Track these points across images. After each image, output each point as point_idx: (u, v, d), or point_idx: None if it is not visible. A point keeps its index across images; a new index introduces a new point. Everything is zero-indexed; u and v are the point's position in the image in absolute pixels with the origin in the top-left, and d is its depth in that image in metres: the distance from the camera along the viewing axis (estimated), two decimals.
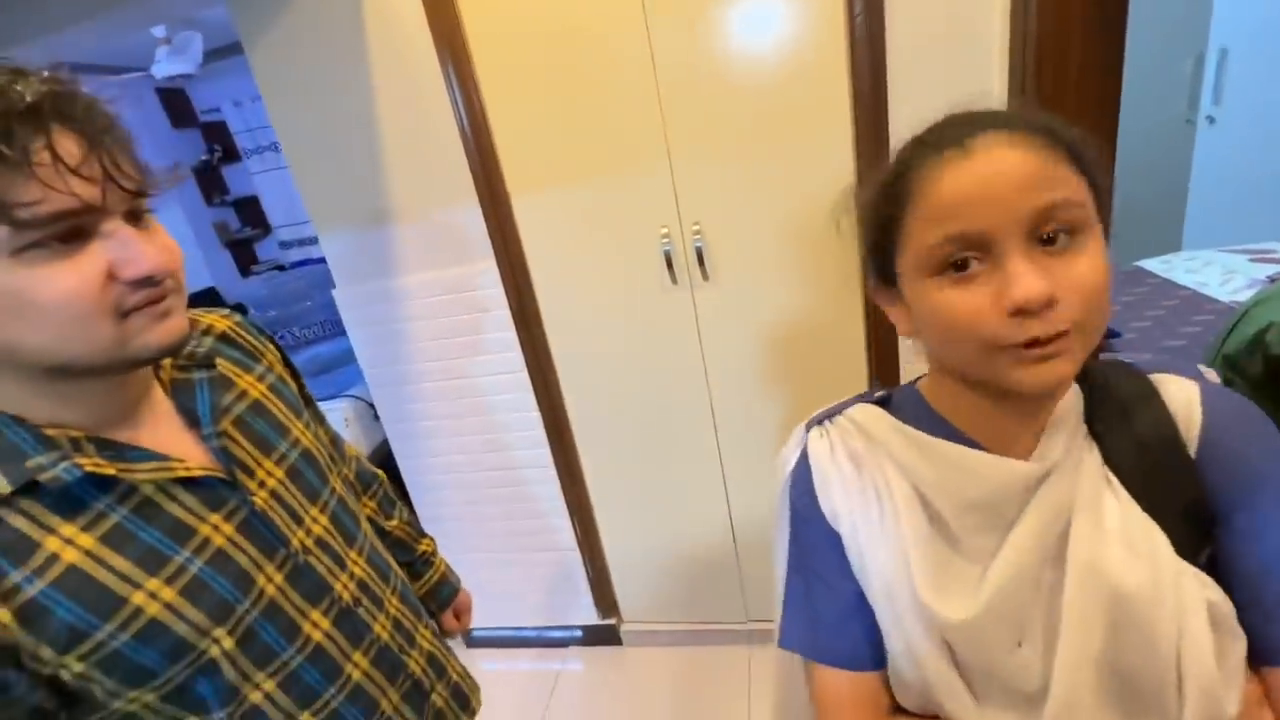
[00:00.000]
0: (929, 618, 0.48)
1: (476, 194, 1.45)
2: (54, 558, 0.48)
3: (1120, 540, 0.44)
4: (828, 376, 1.48)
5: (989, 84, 1.16)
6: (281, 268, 4.06)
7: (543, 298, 1.54)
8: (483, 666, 1.98)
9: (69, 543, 0.48)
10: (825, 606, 0.54)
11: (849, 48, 1.20)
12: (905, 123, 1.16)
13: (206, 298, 3.51)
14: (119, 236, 0.47)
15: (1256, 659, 0.45)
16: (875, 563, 0.50)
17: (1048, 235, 0.41)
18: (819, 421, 0.59)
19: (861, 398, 0.59)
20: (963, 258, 0.43)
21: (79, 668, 0.48)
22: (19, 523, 0.47)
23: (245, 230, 4.58)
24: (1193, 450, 0.46)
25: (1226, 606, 0.44)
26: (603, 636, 1.93)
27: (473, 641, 2.06)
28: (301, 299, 1.92)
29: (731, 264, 1.43)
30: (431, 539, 1.01)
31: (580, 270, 1.49)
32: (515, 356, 1.61)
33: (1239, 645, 0.44)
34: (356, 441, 1.83)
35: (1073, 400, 0.48)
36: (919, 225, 0.45)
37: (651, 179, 1.38)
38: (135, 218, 0.50)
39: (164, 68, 2.75)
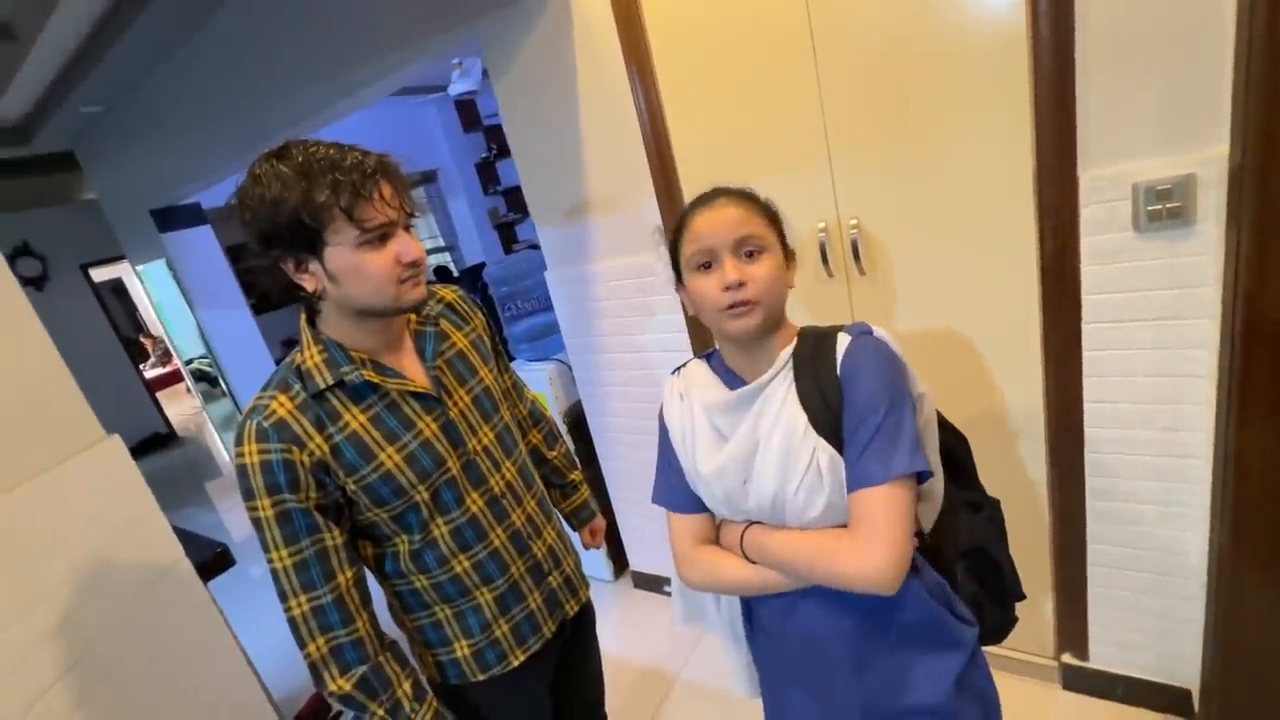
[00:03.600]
0: (694, 471, 0.84)
1: (654, 191, 1.65)
2: (347, 424, 0.82)
3: (784, 426, 0.76)
4: (992, 377, 1.38)
5: (1214, 62, 0.97)
6: (535, 247, 4.81)
7: None
8: (643, 602, 2.26)
9: (354, 418, 0.83)
10: (671, 479, 0.88)
11: (1030, 28, 1.10)
12: (1102, 113, 1.05)
13: (476, 270, 4.35)
14: (401, 238, 0.80)
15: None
16: (686, 451, 0.85)
17: (745, 252, 0.75)
18: (676, 370, 0.92)
19: (702, 354, 0.91)
20: (705, 261, 0.77)
21: (352, 487, 0.82)
22: (333, 401, 0.82)
23: (510, 215, 5.51)
24: (839, 372, 0.75)
25: (829, 462, 0.74)
26: None
27: (637, 581, 2.35)
28: (526, 277, 2.34)
29: (889, 258, 1.41)
30: (580, 471, 1.27)
31: None
32: (683, 337, 1.79)
33: (830, 486, 0.74)
34: (557, 399, 2.20)
35: (788, 348, 0.80)
36: (687, 244, 0.79)
37: (811, 174, 1.42)
38: (408, 229, 0.83)
39: (455, 88, 3.48)
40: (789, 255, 0.81)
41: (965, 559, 0.87)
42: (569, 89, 1.69)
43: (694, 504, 0.87)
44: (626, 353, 1.95)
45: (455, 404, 0.91)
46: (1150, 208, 1.09)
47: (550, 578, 1.01)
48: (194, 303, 3.92)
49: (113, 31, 2.49)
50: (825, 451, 0.74)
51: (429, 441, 0.87)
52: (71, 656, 1.06)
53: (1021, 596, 0.92)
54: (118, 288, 9.12)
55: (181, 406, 7.62)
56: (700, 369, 0.88)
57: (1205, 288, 1.09)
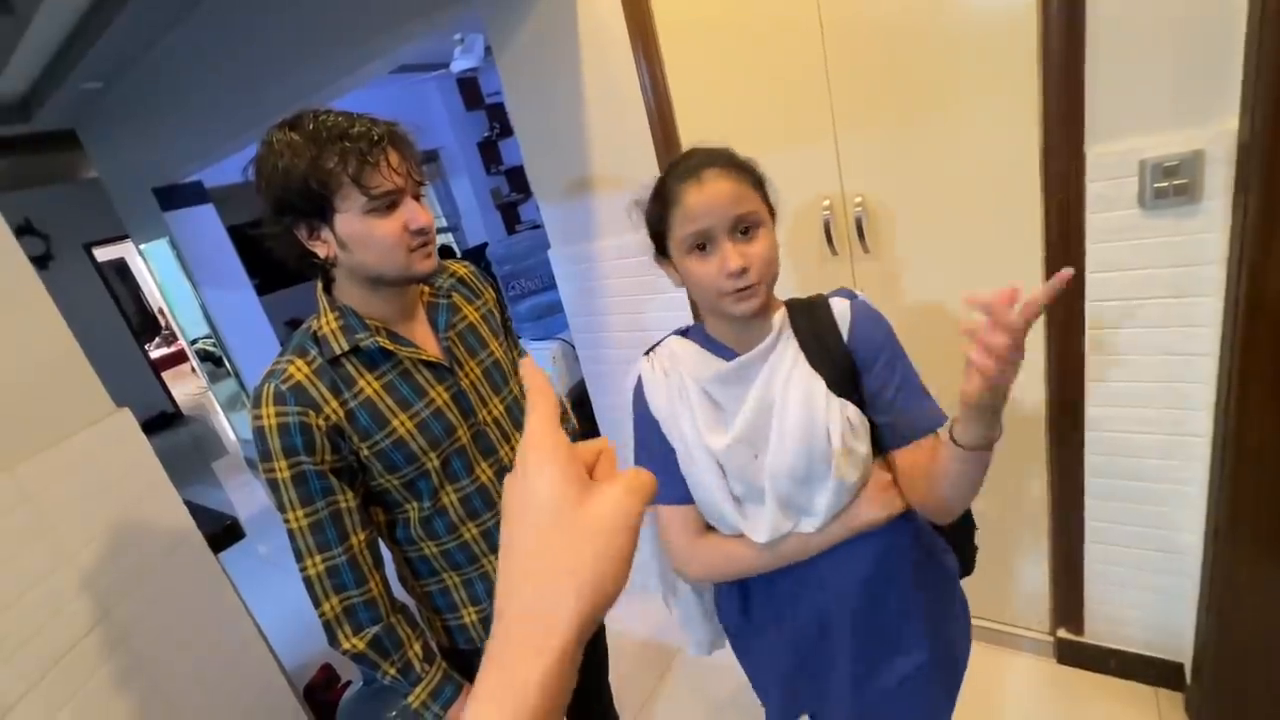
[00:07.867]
0: (706, 449, 0.80)
1: (658, 167, 1.64)
2: (361, 390, 0.84)
3: (799, 390, 0.77)
4: None
5: (1225, 35, 0.96)
6: (537, 227, 4.80)
7: None
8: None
9: (369, 384, 0.84)
10: (656, 466, 0.84)
11: (1040, 5, 1.09)
12: (1111, 89, 1.04)
13: (479, 250, 4.34)
14: (409, 205, 0.81)
15: (888, 446, 0.79)
16: (678, 430, 0.83)
17: (742, 230, 0.73)
18: (649, 351, 0.88)
19: (675, 331, 0.89)
20: (701, 243, 0.74)
21: (366, 453, 0.84)
22: (348, 367, 0.84)
23: (512, 195, 5.48)
24: (845, 338, 0.79)
25: (858, 419, 0.77)
26: None
27: None
28: (529, 256, 2.35)
29: (894, 237, 1.41)
30: None
31: None
32: (685, 316, 1.79)
33: (862, 442, 0.77)
34: (560, 377, 2.22)
35: (781, 317, 0.80)
36: (677, 223, 0.75)
37: (816, 150, 1.41)
38: (417, 197, 0.83)
39: (458, 65, 3.44)
40: (772, 215, 0.78)
41: None
42: (572, 64, 1.67)
43: (685, 493, 0.84)
44: (630, 331, 1.95)
45: (466, 375, 0.93)
46: (1157, 184, 1.08)
47: None
48: (197, 282, 3.93)
49: (112, 5, 2.47)
50: (851, 408, 0.76)
51: (440, 410, 0.88)
52: (91, 620, 1.08)
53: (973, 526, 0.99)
54: (120, 268, 9.12)
55: (187, 386, 7.67)
56: (685, 345, 0.84)
57: (1210, 265, 1.09)
